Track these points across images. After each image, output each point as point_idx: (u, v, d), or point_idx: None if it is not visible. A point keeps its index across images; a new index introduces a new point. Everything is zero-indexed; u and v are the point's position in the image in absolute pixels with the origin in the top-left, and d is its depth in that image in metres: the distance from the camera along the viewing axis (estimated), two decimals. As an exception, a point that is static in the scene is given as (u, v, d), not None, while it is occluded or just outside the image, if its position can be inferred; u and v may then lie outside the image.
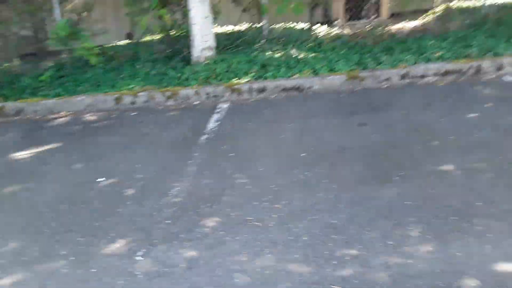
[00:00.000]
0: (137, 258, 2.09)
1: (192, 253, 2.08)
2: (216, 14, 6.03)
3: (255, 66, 4.95)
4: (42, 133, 4.06)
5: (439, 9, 6.62)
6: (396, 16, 7.02)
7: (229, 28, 6.72)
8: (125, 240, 2.24)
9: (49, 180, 3.02)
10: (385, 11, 7.48)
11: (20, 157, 3.50)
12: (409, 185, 2.51)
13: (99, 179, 2.93)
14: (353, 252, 1.98)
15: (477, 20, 5.76)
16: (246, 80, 4.64)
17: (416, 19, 6.72)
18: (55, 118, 4.45)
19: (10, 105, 4.66)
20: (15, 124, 4.41)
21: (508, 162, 2.63)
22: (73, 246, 2.22)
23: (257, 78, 4.70)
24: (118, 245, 2.20)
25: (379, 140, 3.16)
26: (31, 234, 2.37)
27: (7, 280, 2.02)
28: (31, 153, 3.55)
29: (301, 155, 3.04)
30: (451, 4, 6.52)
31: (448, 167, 2.68)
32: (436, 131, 3.20)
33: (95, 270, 2.03)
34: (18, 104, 4.66)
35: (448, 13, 6.26)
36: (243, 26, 6.57)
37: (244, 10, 6.53)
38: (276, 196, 2.53)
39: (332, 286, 1.79)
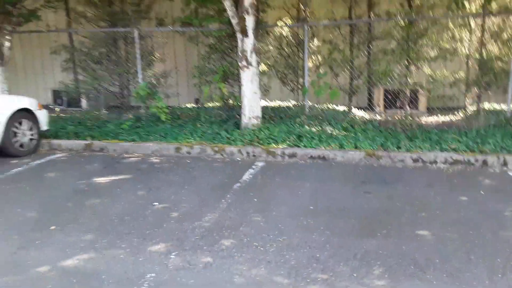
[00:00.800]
0: (171, 256, 2.93)
1: (208, 259, 2.89)
2: (265, 92, 7.24)
3: (292, 136, 5.91)
4: (118, 166, 5.24)
5: (470, 108, 7.29)
6: (432, 111, 7.68)
7: (277, 103, 7.89)
8: (165, 244, 3.11)
9: (119, 199, 4.06)
10: (422, 104, 8.25)
11: (101, 181, 4.65)
12: (387, 241, 3.16)
13: (154, 203, 3.90)
14: (325, 276, 2.67)
15: (501, 121, 6.35)
16: (282, 146, 5.58)
17: (450, 115, 7.40)
18: (129, 157, 5.66)
19: (97, 143, 6.00)
20: (99, 158, 5.67)
21: (478, 238, 3.19)
22: (130, 243, 3.13)
23: (292, 145, 5.63)
24: (159, 246, 3.07)
25: (377, 206, 3.85)
26: (102, 232, 3.34)
27: (84, 256, 2.95)
28: (108, 179, 4.69)
29: (310, 207, 3.81)
30: (481, 105, 7.17)
31: (425, 232, 3.29)
32: (427, 206, 3.82)
33: (142, 259, 2.90)
34: (103, 143, 5.98)
35: (477, 113, 6.91)
36: (289, 103, 7.70)
37: (291, 90, 7.70)
38: (281, 232, 3.30)
39: (303, 294, 2.49)
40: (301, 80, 7.55)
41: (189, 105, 8.55)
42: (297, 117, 6.78)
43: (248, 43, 6.27)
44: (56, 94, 10.04)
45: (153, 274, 2.69)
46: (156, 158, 5.59)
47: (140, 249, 3.04)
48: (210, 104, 7.96)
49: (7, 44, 7.64)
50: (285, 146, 5.60)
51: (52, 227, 3.43)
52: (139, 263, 2.85)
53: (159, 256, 2.93)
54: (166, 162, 5.40)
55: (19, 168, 5.14)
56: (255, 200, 4.00)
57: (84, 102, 9.42)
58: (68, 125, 6.88)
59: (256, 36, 6.32)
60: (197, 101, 9.20)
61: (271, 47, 7.88)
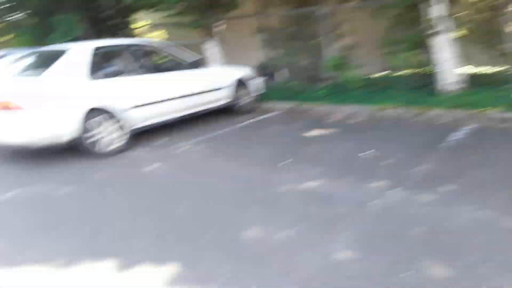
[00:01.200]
0: (390, 191, 3.34)
1: (427, 197, 3.18)
2: (463, 58, 6.76)
3: (502, 101, 5.43)
4: (322, 124, 5.97)
5: None
6: None
7: (478, 69, 7.31)
8: (383, 182, 3.53)
9: (332, 147, 4.74)
10: None
11: (312, 134, 5.48)
12: None
13: (365, 152, 4.37)
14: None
15: None
16: (490, 111, 5.25)
17: None
18: (329, 118, 6.31)
19: (302, 106, 6.98)
20: (305, 117, 6.54)
21: None
22: (352, 178, 3.70)
23: (503, 111, 5.20)
24: (378, 184, 3.52)
25: None
26: (326, 168, 4.01)
27: (316, 183, 3.65)
28: (318, 132, 5.49)
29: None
30: None
31: None
32: None
33: (364, 190, 3.41)
34: (306, 106, 6.87)
35: None
36: (494, 69, 7.04)
37: (495, 56, 6.99)
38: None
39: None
40: (505, 44, 6.78)
41: (378, 75, 8.70)
42: (507, 83, 6.18)
43: (437, 10, 6.07)
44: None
45: (376, 201, 3.16)
46: (354, 120, 6.05)
47: (361, 184, 3.56)
48: (400, 73, 7.93)
49: (221, 27, 9.30)
50: (494, 111, 5.25)
51: (287, 161, 4.24)
52: (363, 193, 3.38)
53: (380, 191, 3.38)
54: (365, 123, 5.83)
55: (244, 122, 6.43)
56: (467, 157, 4.03)
57: (282, 74, 10.60)
58: (273, 92, 8.00)
59: (446, 2, 6.05)
60: (386, 69, 9.22)
61: (465, 12, 7.29)
